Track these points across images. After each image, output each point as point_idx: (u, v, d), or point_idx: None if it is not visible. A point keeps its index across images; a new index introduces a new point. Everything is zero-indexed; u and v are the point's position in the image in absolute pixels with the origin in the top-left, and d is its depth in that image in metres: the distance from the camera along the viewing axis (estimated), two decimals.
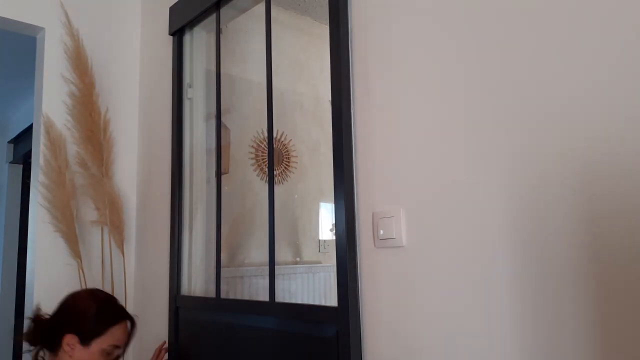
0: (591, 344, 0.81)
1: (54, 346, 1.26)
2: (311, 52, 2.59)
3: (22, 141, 3.95)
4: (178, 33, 1.95)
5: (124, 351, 1.34)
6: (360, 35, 1.24)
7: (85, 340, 1.24)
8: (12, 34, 2.11)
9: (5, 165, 4.16)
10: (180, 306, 1.77)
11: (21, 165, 4.15)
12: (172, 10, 1.99)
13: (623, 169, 0.79)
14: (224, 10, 1.81)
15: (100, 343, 1.24)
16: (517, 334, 0.90)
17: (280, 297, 2.08)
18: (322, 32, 2.66)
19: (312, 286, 2.41)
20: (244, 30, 2.37)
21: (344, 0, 1.26)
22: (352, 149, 1.22)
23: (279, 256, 2.29)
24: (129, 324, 1.34)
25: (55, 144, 1.90)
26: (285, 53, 2.51)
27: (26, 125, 3.71)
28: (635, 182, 0.77)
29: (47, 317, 1.32)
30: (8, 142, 4.17)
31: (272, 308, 1.40)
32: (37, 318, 1.31)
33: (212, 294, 1.76)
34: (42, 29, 2.04)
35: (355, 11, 1.26)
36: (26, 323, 1.34)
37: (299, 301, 2.26)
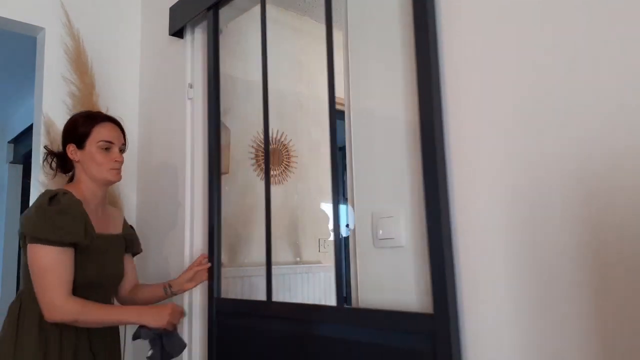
0: (591, 343, 0.81)
1: (66, 165, 1.49)
2: (311, 52, 2.59)
3: (22, 141, 3.95)
4: (178, 32, 1.95)
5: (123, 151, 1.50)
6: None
7: (80, 144, 1.42)
8: (12, 34, 2.11)
9: (5, 165, 4.16)
10: (221, 311, 1.55)
11: (21, 165, 4.15)
12: (172, 10, 1.99)
13: (623, 169, 0.79)
14: (224, 11, 1.81)
15: (91, 142, 1.41)
16: (517, 333, 0.89)
17: (281, 297, 2.08)
18: (323, 33, 2.66)
19: (312, 286, 2.41)
20: (244, 30, 2.38)
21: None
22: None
23: (279, 256, 2.29)
24: (113, 123, 1.49)
25: (55, 144, 1.90)
26: (286, 53, 2.51)
27: (26, 125, 3.71)
28: (636, 182, 0.77)
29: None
30: (8, 142, 4.17)
31: (345, 315, 1.17)
32: (48, 149, 1.55)
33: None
34: (42, 29, 2.04)
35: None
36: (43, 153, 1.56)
37: (300, 301, 2.26)
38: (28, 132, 3.70)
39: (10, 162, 4.15)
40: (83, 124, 1.44)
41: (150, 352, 1.37)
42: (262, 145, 2.36)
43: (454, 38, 1.03)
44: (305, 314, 1.27)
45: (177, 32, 1.97)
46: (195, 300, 1.73)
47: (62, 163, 1.50)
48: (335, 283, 1.24)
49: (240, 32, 2.35)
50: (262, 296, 1.50)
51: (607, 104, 0.82)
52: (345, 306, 1.19)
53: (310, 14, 2.53)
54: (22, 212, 3.96)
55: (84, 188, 1.42)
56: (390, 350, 1.05)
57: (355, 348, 1.12)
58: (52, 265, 1.26)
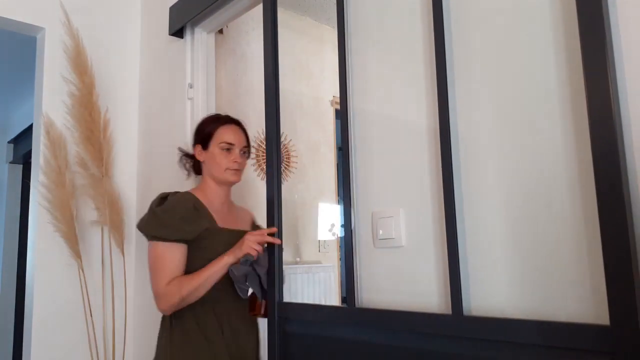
0: None
1: (198, 165, 1.55)
2: (311, 52, 2.59)
3: (22, 141, 3.95)
4: (178, 33, 1.94)
5: (248, 150, 1.55)
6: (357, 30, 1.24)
7: (205, 145, 1.49)
8: (12, 34, 2.11)
9: (5, 165, 4.16)
10: (288, 318, 1.31)
11: (21, 165, 4.15)
12: (172, 10, 1.99)
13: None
14: (224, 10, 1.81)
15: (214, 143, 1.47)
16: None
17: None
18: (323, 33, 2.66)
19: (312, 286, 2.41)
20: (244, 30, 2.37)
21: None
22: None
23: None
24: (235, 126, 1.53)
25: (55, 144, 1.90)
26: (286, 53, 2.51)
27: (26, 125, 3.71)
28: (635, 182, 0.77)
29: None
30: (8, 142, 4.17)
31: (461, 325, 0.92)
32: (183, 150, 1.62)
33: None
34: (42, 29, 2.04)
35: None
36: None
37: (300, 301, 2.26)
38: (28, 132, 3.70)
39: (10, 162, 4.15)
40: (208, 126, 1.51)
41: (249, 291, 1.38)
42: (262, 145, 2.36)
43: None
44: (398, 323, 1.03)
45: (177, 32, 1.97)
46: None
47: (194, 164, 1.58)
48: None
49: (240, 32, 2.35)
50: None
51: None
52: (468, 315, 0.94)
53: (310, 14, 2.53)
54: (22, 212, 3.97)
55: (207, 187, 1.50)
56: None
57: None
58: (158, 259, 1.36)
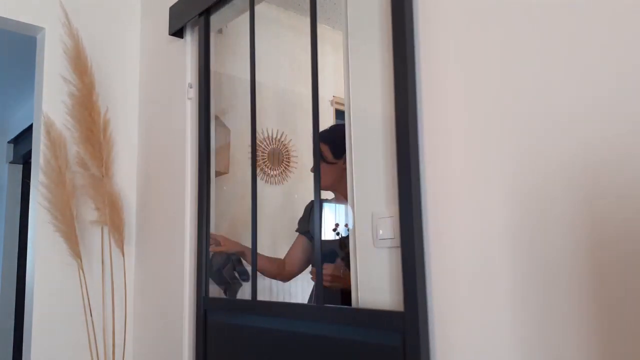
0: (590, 342, 0.81)
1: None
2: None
3: (22, 141, 3.95)
4: (178, 33, 1.94)
5: None
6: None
7: (338, 155, 1.57)
8: (12, 34, 2.11)
9: (5, 165, 4.16)
10: (209, 309, 1.65)
11: (21, 165, 4.15)
12: (172, 10, 1.99)
13: (624, 173, 0.79)
14: (224, 10, 1.81)
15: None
16: (517, 333, 0.90)
17: (280, 297, 2.08)
18: (323, 33, 2.65)
19: (312, 286, 2.40)
20: (244, 30, 2.37)
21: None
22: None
23: (279, 256, 2.29)
24: None
25: (55, 144, 1.90)
26: (286, 53, 2.51)
27: (26, 125, 3.71)
28: (636, 185, 0.77)
29: None
30: (8, 142, 4.17)
31: (322, 313, 1.23)
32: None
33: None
34: (42, 29, 2.04)
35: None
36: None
37: (299, 301, 2.26)
38: (28, 132, 3.70)
39: (10, 162, 4.15)
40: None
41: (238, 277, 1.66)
42: (262, 145, 2.37)
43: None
44: (285, 312, 1.36)
45: (177, 32, 1.97)
46: (185, 299, 1.78)
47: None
48: (315, 283, 1.33)
49: (240, 32, 2.35)
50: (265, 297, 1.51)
51: (607, 106, 0.81)
52: (327, 305, 1.24)
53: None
54: (21, 212, 3.97)
55: None
56: (361, 345, 1.12)
57: (332, 344, 1.19)
58: None
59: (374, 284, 1.16)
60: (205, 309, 1.65)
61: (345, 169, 1.35)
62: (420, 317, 0.99)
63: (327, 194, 1.79)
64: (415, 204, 1.04)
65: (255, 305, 1.47)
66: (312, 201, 1.65)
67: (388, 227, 1.12)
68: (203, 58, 1.77)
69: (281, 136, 2.48)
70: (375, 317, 1.10)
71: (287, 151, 2.48)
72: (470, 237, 0.97)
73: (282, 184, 2.44)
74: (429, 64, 1.08)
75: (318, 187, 1.34)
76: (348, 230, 1.29)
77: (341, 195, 1.66)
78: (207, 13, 1.77)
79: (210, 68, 1.77)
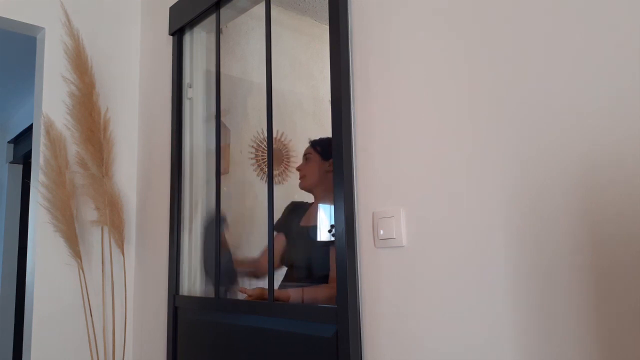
0: (591, 344, 0.81)
1: None
2: (311, 52, 2.59)
3: (22, 141, 3.95)
4: (178, 33, 1.94)
5: None
6: (360, 34, 1.24)
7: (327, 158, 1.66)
8: (12, 34, 2.11)
9: (5, 165, 4.16)
10: (180, 306, 1.78)
11: (21, 165, 4.15)
12: (172, 10, 1.99)
13: (624, 173, 0.79)
14: (224, 10, 1.81)
15: None
16: (517, 333, 0.90)
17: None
18: (323, 33, 2.65)
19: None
20: (244, 30, 2.37)
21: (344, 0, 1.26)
22: (351, 149, 1.22)
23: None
24: None
25: (55, 144, 1.90)
26: (286, 53, 2.51)
27: (26, 125, 3.71)
28: (636, 185, 0.77)
29: None
30: (8, 142, 4.17)
31: (271, 308, 1.41)
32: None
33: (211, 294, 1.76)
34: (42, 29, 2.04)
35: (355, 10, 1.26)
36: None
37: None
38: (28, 132, 3.70)
39: (10, 162, 4.15)
40: None
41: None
42: (262, 145, 2.36)
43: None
44: (241, 307, 1.53)
45: (177, 32, 1.97)
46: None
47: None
48: (268, 281, 1.47)
49: (240, 32, 2.35)
50: None
51: (606, 107, 0.81)
52: (275, 302, 1.44)
53: (311, 14, 2.53)
54: (21, 212, 3.97)
55: None
56: (305, 337, 1.29)
57: (281, 336, 1.36)
58: None
59: (375, 284, 1.16)
60: (176, 307, 1.79)
61: (329, 171, 1.53)
62: (350, 311, 1.16)
63: (308, 197, 1.83)
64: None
65: (216, 302, 1.63)
66: (292, 202, 1.79)
67: (389, 227, 1.12)
68: (215, 51, 1.83)
69: (281, 136, 2.48)
70: (312, 312, 1.28)
71: (287, 151, 2.48)
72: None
73: (282, 183, 2.44)
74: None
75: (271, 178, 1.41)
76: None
77: (320, 198, 1.71)
78: (216, 6, 1.79)
79: (220, 61, 1.79)
